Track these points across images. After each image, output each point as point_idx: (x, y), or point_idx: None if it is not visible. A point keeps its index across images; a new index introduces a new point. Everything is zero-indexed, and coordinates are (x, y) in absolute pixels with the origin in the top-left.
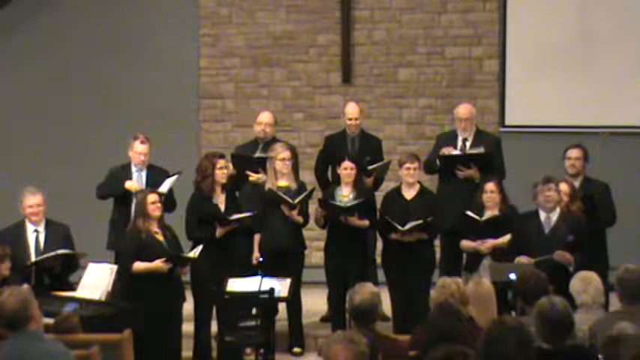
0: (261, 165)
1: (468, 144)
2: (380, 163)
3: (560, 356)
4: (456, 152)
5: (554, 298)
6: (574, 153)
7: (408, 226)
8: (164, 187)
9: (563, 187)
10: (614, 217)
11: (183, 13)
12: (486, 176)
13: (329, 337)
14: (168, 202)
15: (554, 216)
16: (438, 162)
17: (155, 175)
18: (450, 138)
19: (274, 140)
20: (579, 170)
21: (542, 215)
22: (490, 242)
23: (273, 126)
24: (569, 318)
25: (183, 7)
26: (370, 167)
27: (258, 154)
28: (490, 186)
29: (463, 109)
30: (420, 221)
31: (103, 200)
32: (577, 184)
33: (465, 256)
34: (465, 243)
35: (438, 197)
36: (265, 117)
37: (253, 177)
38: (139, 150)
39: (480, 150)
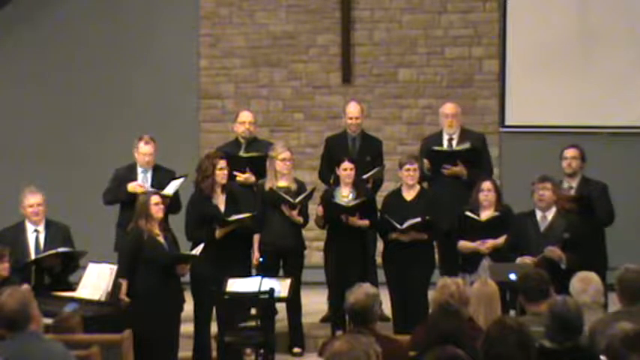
0: (248, 165)
1: (454, 143)
2: (373, 171)
3: (562, 356)
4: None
5: (568, 298)
6: (570, 152)
7: (406, 224)
8: (169, 190)
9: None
10: (611, 217)
11: (183, 13)
12: (474, 172)
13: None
14: (174, 204)
15: (550, 215)
16: (425, 161)
17: (161, 176)
18: (435, 139)
19: (256, 139)
20: (576, 170)
21: (539, 214)
22: (490, 242)
23: (255, 124)
24: (581, 319)
25: (183, 7)
26: (364, 176)
27: (242, 154)
28: (487, 185)
29: (449, 105)
30: (418, 219)
31: (110, 205)
32: (574, 183)
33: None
34: (464, 243)
35: (439, 198)
36: (248, 116)
37: (241, 177)
38: (143, 151)
39: (466, 145)
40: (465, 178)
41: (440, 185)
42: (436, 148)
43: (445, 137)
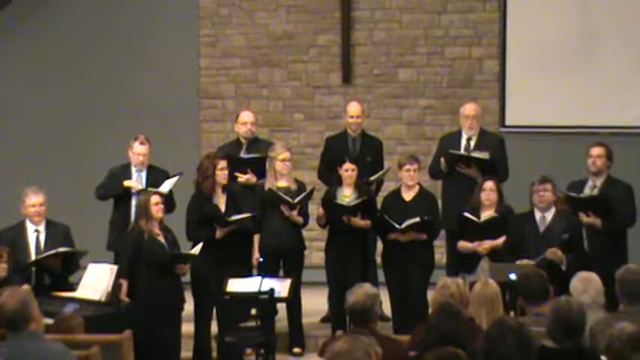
0: (249, 166)
1: (472, 143)
2: (380, 173)
3: (562, 356)
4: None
5: (572, 298)
6: (595, 150)
7: (405, 224)
8: (164, 188)
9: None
10: (632, 218)
11: (183, 13)
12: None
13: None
14: (168, 202)
15: (550, 216)
16: (442, 161)
17: (155, 176)
18: (454, 138)
19: (257, 140)
20: (601, 168)
21: (538, 215)
22: (488, 243)
23: (256, 124)
24: (583, 320)
25: (183, 7)
26: (372, 178)
27: (243, 155)
28: (489, 184)
29: (470, 107)
30: (417, 219)
31: (102, 201)
32: (599, 182)
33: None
34: (463, 244)
35: (437, 198)
36: (249, 116)
37: (242, 178)
38: (137, 151)
39: (485, 155)
40: (479, 180)
41: (455, 183)
42: (452, 151)
43: (464, 137)
